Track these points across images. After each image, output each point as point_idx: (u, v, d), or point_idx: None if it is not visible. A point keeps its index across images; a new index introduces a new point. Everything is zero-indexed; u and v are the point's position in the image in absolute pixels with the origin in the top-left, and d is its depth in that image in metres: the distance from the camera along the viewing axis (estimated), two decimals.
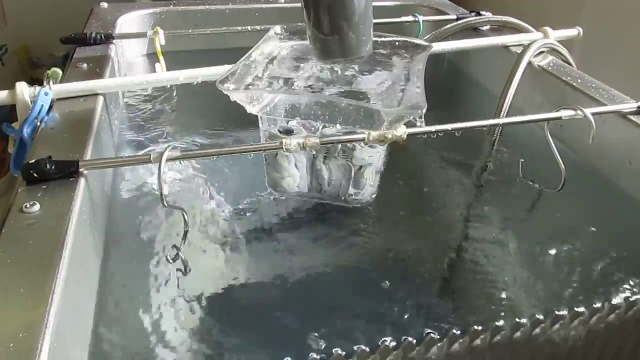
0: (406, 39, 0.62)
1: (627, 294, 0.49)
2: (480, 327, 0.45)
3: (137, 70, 0.95)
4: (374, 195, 0.58)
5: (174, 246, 0.47)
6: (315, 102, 0.50)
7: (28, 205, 0.42)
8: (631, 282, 0.51)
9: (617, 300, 0.48)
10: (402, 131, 0.50)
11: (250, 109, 0.51)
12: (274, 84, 0.53)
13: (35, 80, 0.63)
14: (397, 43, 0.62)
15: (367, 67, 0.57)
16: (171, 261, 0.48)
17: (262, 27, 0.81)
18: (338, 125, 0.50)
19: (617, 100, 0.67)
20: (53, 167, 0.46)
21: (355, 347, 0.42)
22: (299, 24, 0.52)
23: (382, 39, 0.61)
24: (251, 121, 0.54)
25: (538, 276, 0.52)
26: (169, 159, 0.46)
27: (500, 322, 0.46)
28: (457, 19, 0.96)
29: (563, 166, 0.58)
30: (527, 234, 0.58)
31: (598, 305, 0.48)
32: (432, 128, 0.52)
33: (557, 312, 0.47)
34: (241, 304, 0.49)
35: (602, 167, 0.67)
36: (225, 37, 0.90)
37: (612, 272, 0.53)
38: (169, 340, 0.44)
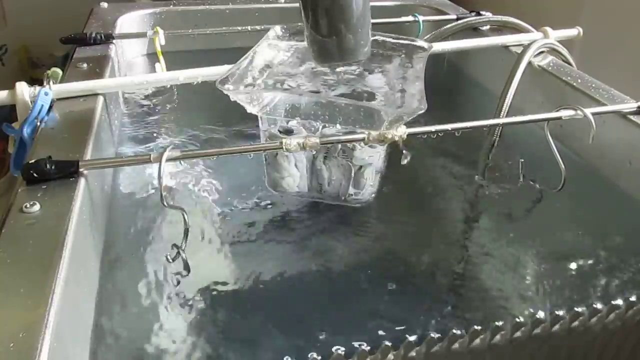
0: (406, 39, 0.63)
1: (627, 294, 0.49)
2: (480, 327, 0.45)
3: (137, 70, 0.95)
4: (373, 195, 0.58)
5: (175, 245, 0.47)
6: (315, 102, 0.50)
7: (28, 205, 0.42)
8: (631, 283, 0.51)
9: (617, 300, 0.48)
10: (402, 131, 0.50)
11: (250, 109, 0.51)
12: (274, 84, 0.53)
13: (35, 80, 0.63)
14: (397, 43, 0.62)
15: (367, 68, 0.57)
16: (171, 261, 0.48)
17: (262, 27, 0.81)
18: (338, 125, 0.50)
19: (617, 100, 0.67)
20: (53, 167, 0.46)
21: (355, 347, 0.42)
22: (299, 24, 0.51)
23: (383, 39, 0.61)
24: (251, 121, 0.54)
25: (538, 276, 0.52)
26: (169, 159, 0.46)
27: (500, 322, 0.46)
28: (457, 19, 0.96)
29: (563, 166, 0.58)
30: (527, 234, 0.58)
31: (598, 305, 0.48)
32: (432, 128, 0.52)
33: (557, 312, 0.47)
34: (241, 303, 0.49)
35: (602, 167, 0.67)
36: (225, 37, 0.90)
37: (612, 272, 0.53)
38: (169, 340, 0.44)
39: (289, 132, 0.53)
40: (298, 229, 0.57)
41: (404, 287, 0.50)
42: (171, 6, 1.00)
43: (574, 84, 0.72)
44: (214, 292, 0.49)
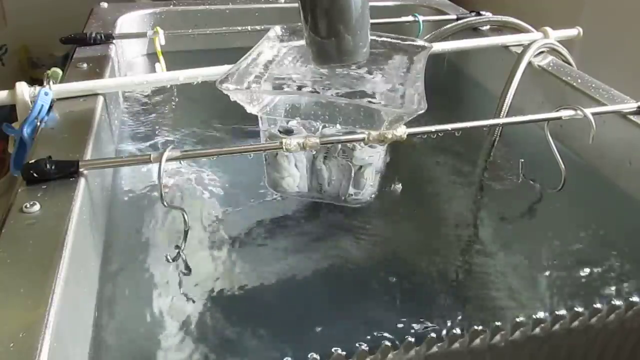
0: (406, 39, 0.63)
1: (627, 294, 0.49)
2: (480, 327, 0.45)
3: (137, 70, 0.95)
4: (373, 195, 0.58)
5: (175, 246, 0.47)
6: (315, 102, 0.50)
7: (28, 205, 0.42)
8: (631, 282, 0.51)
9: (617, 300, 0.48)
10: (402, 131, 0.50)
11: (250, 109, 0.51)
12: (273, 84, 0.53)
13: (35, 80, 0.63)
14: (397, 43, 0.62)
15: (367, 68, 0.57)
16: (171, 261, 0.48)
17: (262, 27, 0.81)
18: (338, 125, 0.50)
19: (617, 100, 0.67)
20: (53, 167, 0.46)
21: (355, 347, 0.42)
22: (299, 24, 0.52)
23: (382, 39, 0.61)
24: (251, 121, 0.54)
25: (538, 276, 0.52)
26: (169, 159, 0.46)
27: (500, 322, 0.46)
28: (457, 19, 0.96)
29: (563, 166, 0.58)
30: (527, 234, 0.58)
31: (598, 305, 0.48)
32: (432, 128, 0.52)
33: (557, 312, 0.47)
34: (241, 303, 0.49)
35: (602, 167, 0.67)
36: (225, 37, 0.90)
37: (612, 272, 0.53)
38: (168, 340, 0.44)
39: (289, 132, 0.53)
40: (298, 229, 0.57)
41: (404, 287, 0.50)
42: (171, 6, 1.00)
43: (574, 84, 0.72)
44: (214, 292, 0.49)
